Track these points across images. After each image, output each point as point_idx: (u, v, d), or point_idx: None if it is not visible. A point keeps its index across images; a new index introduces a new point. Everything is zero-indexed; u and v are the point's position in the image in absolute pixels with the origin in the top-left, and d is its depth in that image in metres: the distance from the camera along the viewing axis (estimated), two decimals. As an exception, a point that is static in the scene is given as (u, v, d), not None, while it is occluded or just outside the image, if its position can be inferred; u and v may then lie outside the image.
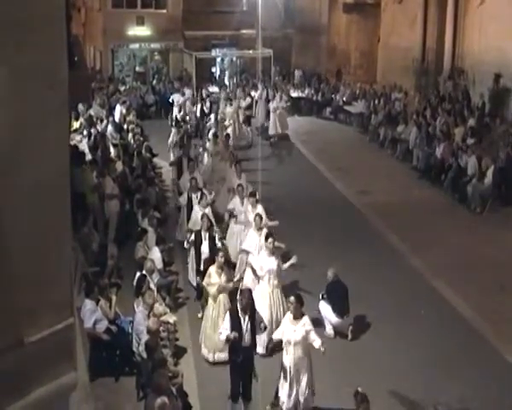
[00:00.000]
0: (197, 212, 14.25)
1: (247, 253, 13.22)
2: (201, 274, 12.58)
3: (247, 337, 9.84)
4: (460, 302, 13.85)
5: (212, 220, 14.15)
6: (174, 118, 26.17)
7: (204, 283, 11.90)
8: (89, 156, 19.00)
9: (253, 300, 10.18)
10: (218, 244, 13.23)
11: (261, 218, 13.37)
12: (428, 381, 11.03)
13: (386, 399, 10.66)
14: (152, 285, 12.51)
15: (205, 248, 13.11)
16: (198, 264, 13.30)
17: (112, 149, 20.32)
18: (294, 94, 33.49)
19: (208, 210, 14.45)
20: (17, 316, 4.25)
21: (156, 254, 13.61)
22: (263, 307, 11.47)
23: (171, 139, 22.21)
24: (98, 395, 10.56)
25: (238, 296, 10.37)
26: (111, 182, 16.58)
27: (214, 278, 11.64)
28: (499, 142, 21.81)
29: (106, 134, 21.70)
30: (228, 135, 21.49)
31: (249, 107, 29.25)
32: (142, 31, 36.50)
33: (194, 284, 13.74)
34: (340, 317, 12.54)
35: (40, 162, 4.14)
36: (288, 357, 9.74)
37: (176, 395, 9.83)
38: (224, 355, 11.04)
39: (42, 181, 4.16)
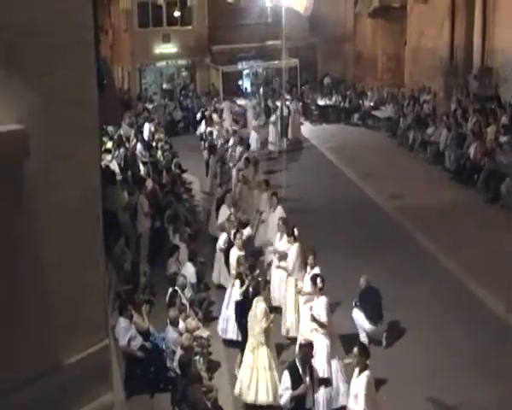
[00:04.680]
0: (234, 254, 13.08)
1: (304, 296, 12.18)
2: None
3: (308, 398, 9.22)
4: (496, 304, 13.64)
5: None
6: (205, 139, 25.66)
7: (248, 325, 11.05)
8: (119, 176, 19.20)
9: (312, 354, 9.66)
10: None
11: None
12: (466, 385, 10.89)
13: (424, 404, 10.56)
14: (184, 300, 12.60)
15: (235, 296, 12.11)
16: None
17: (141, 167, 20.52)
18: (321, 102, 33.47)
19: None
20: (53, 338, 4.27)
21: (190, 270, 13.68)
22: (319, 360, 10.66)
23: (211, 169, 21.35)
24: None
25: (298, 350, 9.71)
26: (145, 200, 16.73)
27: (258, 323, 10.77)
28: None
29: (135, 153, 21.91)
30: (257, 161, 20.12)
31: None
32: (169, 48, 36.82)
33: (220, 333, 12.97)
34: (373, 324, 12.43)
35: (73, 184, 4.20)
36: None
37: (211, 409, 9.89)
38: None
39: (75, 203, 4.23)
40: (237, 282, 12.04)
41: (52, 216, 4.09)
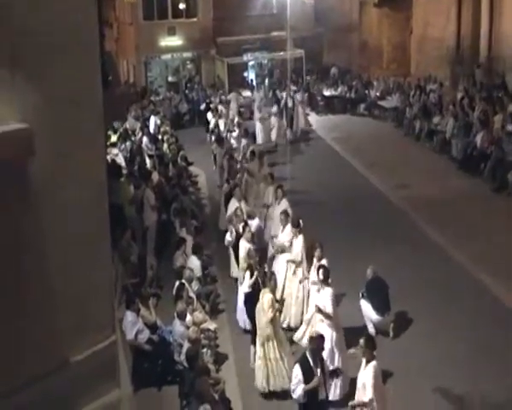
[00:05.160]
0: (244, 247, 12.99)
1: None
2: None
3: (321, 390, 9.16)
4: (503, 293, 13.62)
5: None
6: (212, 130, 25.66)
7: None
8: (125, 169, 19.21)
9: (323, 347, 9.61)
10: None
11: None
12: (473, 374, 10.90)
13: (431, 394, 10.58)
14: (191, 293, 12.63)
15: (244, 288, 12.25)
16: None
17: (147, 160, 20.53)
18: (327, 93, 33.36)
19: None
20: (61, 336, 4.29)
21: (195, 263, 13.69)
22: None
23: (218, 162, 21.45)
24: (142, 405, 10.67)
25: (308, 343, 9.63)
26: (151, 193, 16.74)
27: (265, 315, 10.87)
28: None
29: (141, 146, 21.92)
30: (263, 153, 19.85)
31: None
32: (174, 41, 36.76)
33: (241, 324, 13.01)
34: (380, 315, 12.43)
35: (79, 183, 4.22)
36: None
37: (218, 401, 9.91)
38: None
39: (81, 201, 4.25)
40: (247, 274, 12.09)
41: (58, 214, 4.11)
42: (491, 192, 19.45)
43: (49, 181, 4.00)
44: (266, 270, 12.31)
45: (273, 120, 26.78)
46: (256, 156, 18.83)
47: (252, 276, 11.95)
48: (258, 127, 25.21)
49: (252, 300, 11.55)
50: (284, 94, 29.23)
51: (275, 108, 27.31)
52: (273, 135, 26.52)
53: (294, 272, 13.07)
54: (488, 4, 28.59)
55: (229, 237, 14.37)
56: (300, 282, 12.89)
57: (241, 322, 12.93)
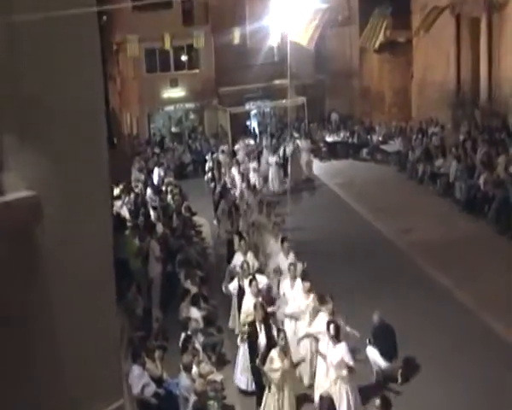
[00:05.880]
0: (249, 301, 12.69)
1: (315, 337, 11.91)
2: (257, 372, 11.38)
3: None
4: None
5: (267, 309, 12.42)
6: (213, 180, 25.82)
7: (265, 368, 10.73)
8: (130, 221, 19.31)
9: (334, 407, 9.50)
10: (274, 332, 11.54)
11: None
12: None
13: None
14: (197, 345, 12.57)
15: (262, 340, 11.55)
16: (253, 360, 11.72)
17: (152, 212, 20.63)
18: (330, 139, 33.64)
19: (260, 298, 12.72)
20: (67, 402, 4.26)
21: (195, 314, 13.65)
22: None
23: (219, 211, 21.33)
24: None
25: (317, 404, 9.59)
26: (156, 245, 16.78)
27: (276, 364, 10.63)
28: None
29: (145, 198, 22.05)
30: (270, 203, 19.66)
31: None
32: (177, 92, 37.29)
33: (244, 386, 12.57)
34: (388, 361, 12.33)
35: (87, 248, 4.22)
36: None
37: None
38: None
39: (88, 267, 4.25)
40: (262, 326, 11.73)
41: (66, 281, 4.11)
42: (495, 234, 19.41)
43: (56, 248, 4.01)
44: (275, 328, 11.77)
45: (272, 169, 26.84)
46: (264, 206, 18.67)
47: (254, 332, 11.70)
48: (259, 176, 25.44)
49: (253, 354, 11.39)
50: (286, 142, 29.44)
51: (271, 158, 27.34)
52: (275, 185, 26.64)
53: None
54: (486, 47, 28.92)
55: (232, 290, 14.25)
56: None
57: (243, 383, 12.62)
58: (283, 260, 14.84)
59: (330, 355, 10.92)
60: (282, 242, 15.39)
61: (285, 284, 13.53)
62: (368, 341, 12.58)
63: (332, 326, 10.95)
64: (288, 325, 12.83)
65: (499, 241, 18.94)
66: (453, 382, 12.02)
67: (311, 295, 12.63)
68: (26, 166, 3.83)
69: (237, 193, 22.62)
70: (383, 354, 12.33)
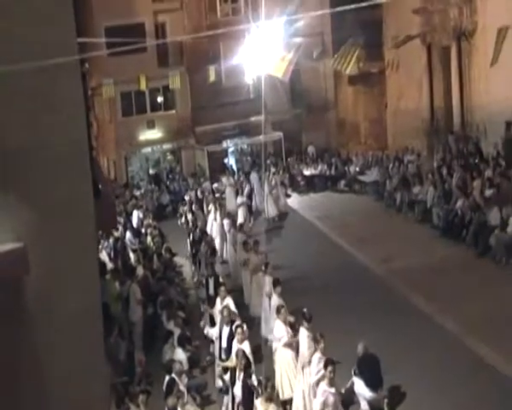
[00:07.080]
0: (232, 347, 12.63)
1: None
2: None
3: None
4: (498, 359, 13.47)
5: (250, 358, 12.28)
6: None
7: None
8: (110, 265, 19.20)
9: None
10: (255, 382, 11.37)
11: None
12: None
13: None
14: (181, 387, 12.42)
15: (237, 391, 11.61)
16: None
17: (131, 255, 20.53)
18: (307, 172, 33.82)
19: (246, 344, 12.59)
20: None
21: (181, 355, 13.52)
22: None
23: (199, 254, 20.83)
24: None
25: None
26: (137, 288, 16.66)
27: None
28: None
29: (125, 241, 21.96)
30: (257, 241, 19.04)
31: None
32: (154, 134, 37.38)
33: None
34: (373, 391, 12.25)
35: (73, 294, 4.22)
36: None
37: None
38: None
39: (76, 312, 4.24)
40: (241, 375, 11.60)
41: (54, 327, 4.09)
42: (474, 258, 19.55)
43: (44, 295, 4.00)
44: (260, 377, 11.44)
45: (240, 210, 26.19)
46: (250, 246, 18.43)
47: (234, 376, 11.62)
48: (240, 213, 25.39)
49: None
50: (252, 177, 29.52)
51: (240, 199, 26.96)
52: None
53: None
54: (457, 74, 29.46)
55: (214, 334, 14.19)
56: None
57: None
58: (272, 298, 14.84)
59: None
60: (275, 285, 14.90)
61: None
62: (353, 372, 12.52)
63: (330, 368, 10.83)
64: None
65: (479, 263, 19.11)
66: (439, 408, 11.97)
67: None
68: (13, 218, 3.82)
69: (215, 234, 22.63)
70: (369, 384, 12.26)
